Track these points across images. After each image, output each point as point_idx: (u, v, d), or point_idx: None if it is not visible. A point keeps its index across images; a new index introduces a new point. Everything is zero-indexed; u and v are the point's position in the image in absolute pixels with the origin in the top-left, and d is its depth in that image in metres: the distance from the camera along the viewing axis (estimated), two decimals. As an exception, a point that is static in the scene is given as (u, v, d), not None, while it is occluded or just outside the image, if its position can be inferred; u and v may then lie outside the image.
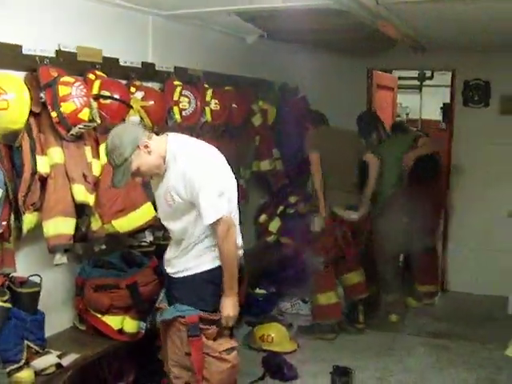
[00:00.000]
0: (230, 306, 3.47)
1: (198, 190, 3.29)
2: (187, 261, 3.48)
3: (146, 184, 4.18)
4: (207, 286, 3.47)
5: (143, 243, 4.49)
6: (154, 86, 4.75)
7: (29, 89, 3.57)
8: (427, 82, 11.08)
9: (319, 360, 5.20)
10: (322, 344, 5.54)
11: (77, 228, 3.85)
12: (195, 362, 3.47)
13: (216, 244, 3.40)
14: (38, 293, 3.64)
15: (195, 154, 3.45)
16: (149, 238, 4.44)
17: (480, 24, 4.85)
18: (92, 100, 3.78)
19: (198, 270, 3.46)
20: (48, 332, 3.79)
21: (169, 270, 3.60)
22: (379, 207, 5.97)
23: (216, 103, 5.08)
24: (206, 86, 5.16)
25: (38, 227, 3.65)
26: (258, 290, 6.09)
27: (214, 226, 3.36)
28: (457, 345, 5.57)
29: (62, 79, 3.65)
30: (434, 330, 5.94)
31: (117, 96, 4.00)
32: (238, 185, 3.63)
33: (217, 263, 3.44)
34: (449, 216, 7.12)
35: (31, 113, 3.57)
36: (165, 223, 3.61)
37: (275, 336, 5.30)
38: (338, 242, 5.61)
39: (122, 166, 3.32)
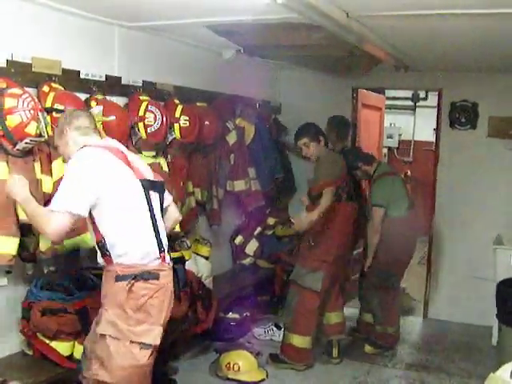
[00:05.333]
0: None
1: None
2: None
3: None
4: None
5: (99, 265, 4.26)
6: (120, 100, 4.57)
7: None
8: (421, 103, 10.91)
9: (288, 391, 4.98)
10: (293, 374, 5.27)
11: (25, 247, 3.67)
12: None
13: None
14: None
15: (81, 152, 3.33)
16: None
17: (461, 43, 4.70)
18: (42, 114, 3.58)
19: None
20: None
21: None
22: None
23: (186, 120, 4.90)
24: (177, 101, 4.99)
25: (-21, 246, 3.45)
26: (230, 315, 5.87)
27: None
28: (435, 378, 5.29)
29: (9, 91, 3.45)
30: (412, 362, 5.67)
31: (70, 110, 3.80)
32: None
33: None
34: (432, 241, 6.89)
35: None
36: None
37: (242, 364, 5.04)
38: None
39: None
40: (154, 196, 3.44)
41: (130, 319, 3.26)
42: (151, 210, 3.37)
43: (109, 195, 3.24)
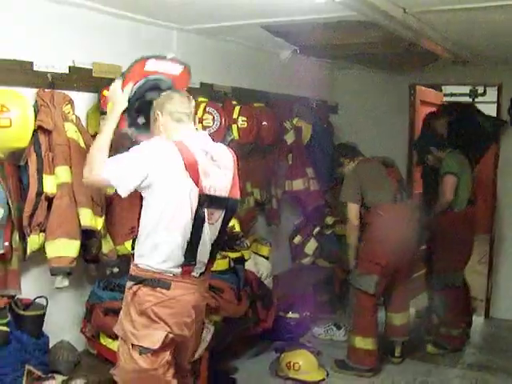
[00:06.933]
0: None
1: None
2: None
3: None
4: None
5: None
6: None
7: (41, 106, 3.51)
8: (480, 99, 10.70)
9: (348, 391, 4.94)
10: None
11: (88, 249, 3.75)
12: None
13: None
14: (43, 315, 3.54)
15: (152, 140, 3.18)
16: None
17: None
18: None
19: None
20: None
21: None
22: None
23: (243, 120, 4.95)
24: (234, 102, 5.03)
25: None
26: (290, 314, 5.86)
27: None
28: (498, 379, 5.17)
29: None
30: (474, 362, 5.55)
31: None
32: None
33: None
34: (493, 240, 6.77)
35: (42, 130, 3.49)
36: None
37: (302, 364, 5.04)
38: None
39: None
40: (215, 212, 3.20)
41: (133, 321, 3.13)
42: (196, 224, 3.10)
43: (151, 196, 3.08)
